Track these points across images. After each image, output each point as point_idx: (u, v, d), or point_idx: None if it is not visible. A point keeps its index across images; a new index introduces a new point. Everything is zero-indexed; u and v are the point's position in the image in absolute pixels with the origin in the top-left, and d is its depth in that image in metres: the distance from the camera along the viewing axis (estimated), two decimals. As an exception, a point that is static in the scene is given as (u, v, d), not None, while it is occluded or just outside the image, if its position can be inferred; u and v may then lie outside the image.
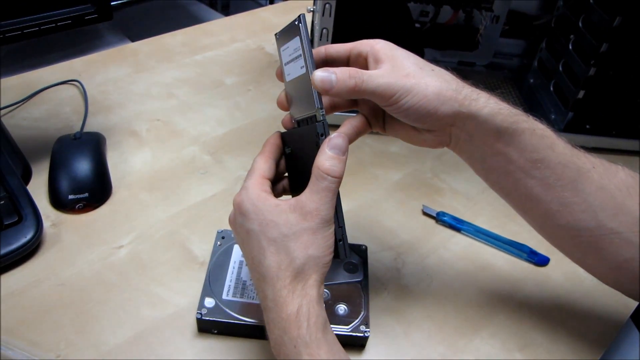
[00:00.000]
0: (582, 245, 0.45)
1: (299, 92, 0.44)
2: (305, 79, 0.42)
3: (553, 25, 0.86)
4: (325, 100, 0.49)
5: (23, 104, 0.77)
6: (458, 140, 0.45)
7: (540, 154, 0.43)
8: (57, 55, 0.91)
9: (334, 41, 0.70)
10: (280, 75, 0.48)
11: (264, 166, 0.45)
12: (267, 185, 0.44)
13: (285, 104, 0.48)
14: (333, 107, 0.50)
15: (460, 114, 0.42)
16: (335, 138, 0.42)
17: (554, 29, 0.86)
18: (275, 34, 0.47)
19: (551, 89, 0.85)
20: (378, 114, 0.47)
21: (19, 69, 0.85)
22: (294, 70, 0.45)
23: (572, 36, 0.79)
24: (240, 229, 0.43)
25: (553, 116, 0.82)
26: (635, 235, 0.43)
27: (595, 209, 0.43)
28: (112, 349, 0.50)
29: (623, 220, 0.43)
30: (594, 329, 0.55)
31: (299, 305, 0.39)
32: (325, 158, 0.41)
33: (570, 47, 0.79)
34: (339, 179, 0.41)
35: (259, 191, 0.43)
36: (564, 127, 0.80)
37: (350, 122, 0.47)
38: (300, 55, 0.43)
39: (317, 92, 0.42)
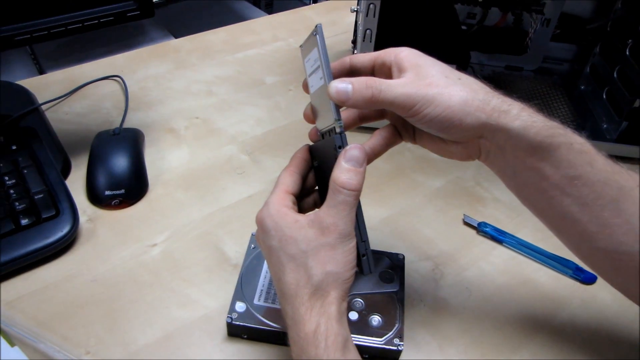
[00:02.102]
0: (623, 270, 0.41)
1: (321, 103, 0.43)
2: (324, 90, 0.41)
3: (609, 28, 0.82)
4: (352, 111, 0.47)
5: (66, 98, 0.78)
6: (488, 154, 0.43)
7: (578, 170, 0.40)
8: (103, 51, 0.92)
9: (377, 43, 0.68)
10: (306, 87, 0.46)
11: (288, 180, 0.44)
12: (289, 200, 0.43)
13: (311, 117, 0.46)
14: (362, 119, 0.48)
15: (488, 125, 0.40)
16: (351, 150, 0.40)
17: (610, 33, 0.82)
18: (300, 46, 0.46)
19: (604, 96, 0.81)
20: (407, 124, 0.45)
21: (66, 63, 0.86)
22: (316, 82, 0.43)
23: (630, 41, 0.75)
24: (262, 245, 0.43)
25: (605, 125, 0.78)
26: None
27: (639, 231, 0.39)
28: (141, 348, 0.49)
29: None
30: (644, 354, 0.52)
31: (317, 324, 0.38)
32: (341, 171, 0.39)
33: (627, 53, 0.75)
34: (356, 192, 0.39)
35: (279, 207, 0.42)
36: (617, 138, 0.76)
37: (380, 133, 0.46)
38: (319, 66, 0.42)
39: (335, 104, 0.40)
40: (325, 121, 0.43)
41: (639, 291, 0.42)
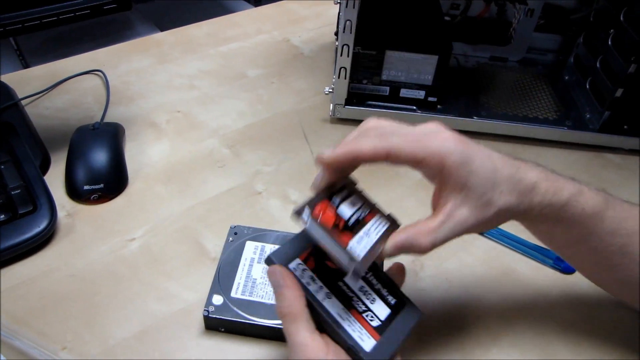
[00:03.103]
0: (628, 295, 0.48)
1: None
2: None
3: (592, 19, 0.82)
4: None
5: (46, 93, 0.78)
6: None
7: (589, 227, 0.43)
8: (89, 46, 0.92)
9: (357, 35, 0.68)
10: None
11: (303, 306, 0.39)
12: (313, 329, 0.38)
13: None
14: None
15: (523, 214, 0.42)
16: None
17: (593, 23, 0.81)
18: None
19: (587, 86, 0.81)
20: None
21: (53, 59, 0.86)
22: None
23: (612, 31, 0.75)
24: None
25: (588, 115, 0.78)
26: None
27: None
28: (118, 342, 0.49)
29: None
30: (621, 344, 0.51)
31: None
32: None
33: (610, 43, 0.75)
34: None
35: (320, 345, 0.37)
36: (600, 127, 0.76)
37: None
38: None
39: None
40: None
41: None
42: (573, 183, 0.43)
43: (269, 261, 0.40)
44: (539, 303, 0.55)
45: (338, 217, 0.40)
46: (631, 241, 0.43)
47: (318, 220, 0.38)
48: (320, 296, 0.40)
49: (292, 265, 0.40)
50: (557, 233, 0.45)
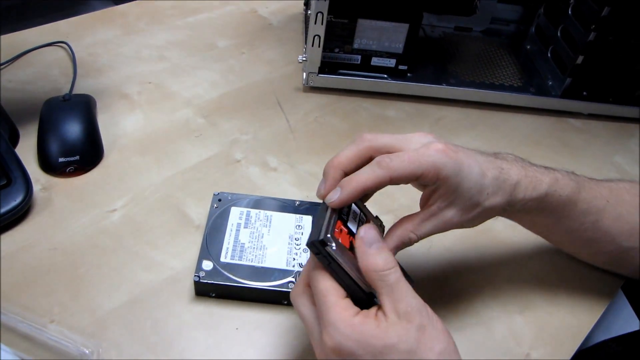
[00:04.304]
0: (602, 261, 0.55)
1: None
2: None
3: (552, -11, 0.85)
4: None
5: (7, 65, 0.75)
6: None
7: (565, 211, 0.48)
8: (41, 21, 0.88)
9: (331, 2, 0.68)
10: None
11: (333, 284, 0.37)
12: (349, 305, 0.36)
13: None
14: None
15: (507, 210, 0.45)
16: (366, 234, 0.38)
17: (553, -6, 0.84)
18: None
19: (549, 55, 0.84)
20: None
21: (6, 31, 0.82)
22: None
23: (572, 1, 0.78)
24: None
25: (550, 83, 0.82)
26: None
27: (614, 236, 0.50)
28: (108, 313, 0.48)
29: (637, 238, 0.50)
30: (592, 292, 0.55)
31: None
32: (370, 258, 0.37)
33: (570, 12, 0.78)
34: (397, 266, 0.37)
35: (349, 320, 0.35)
36: (562, 94, 0.79)
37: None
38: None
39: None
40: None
41: (614, 269, 0.56)
42: (549, 173, 0.47)
43: (323, 243, 0.36)
44: (515, 258, 0.57)
45: (349, 235, 0.39)
46: (601, 217, 0.49)
47: (340, 247, 0.37)
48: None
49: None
50: (538, 220, 0.50)
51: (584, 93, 0.79)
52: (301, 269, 0.50)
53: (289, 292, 0.48)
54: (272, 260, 0.51)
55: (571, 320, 0.53)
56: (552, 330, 0.51)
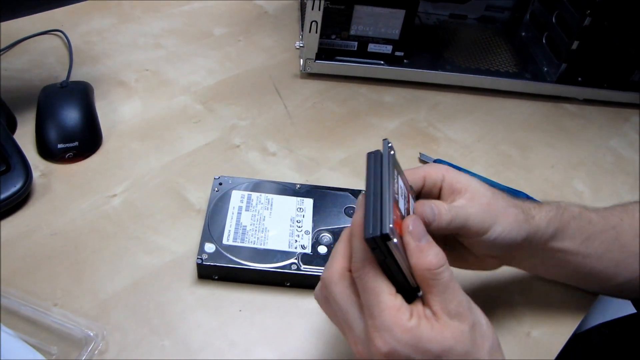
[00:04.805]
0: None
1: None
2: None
3: (547, -25, 0.85)
4: None
5: (3, 54, 0.74)
6: (522, 258, 0.46)
7: (587, 232, 0.46)
8: (36, 9, 0.87)
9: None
10: None
11: (385, 281, 0.34)
12: (402, 304, 0.33)
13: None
14: None
15: (530, 234, 0.43)
16: (413, 227, 0.35)
17: (548, -20, 0.85)
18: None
19: (544, 41, 0.84)
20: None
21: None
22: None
23: (566, -14, 0.78)
24: None
25: (546, 69, 0.82)
26: None
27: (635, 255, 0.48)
28: (111, 296, 0.49)
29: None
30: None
31: None
32: (420, 254, 0.34)
33: (565, -2, 0.79)
34: (447, 264, 0.34)
35: (403, 322, 0.32)
36: (557, 79, 0.79)
37: None
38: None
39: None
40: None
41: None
42: (550, 223, 0.44)
43: (386, 237, 0.31)
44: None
45: (401, 218, 0.35)
46: (619, 234, 0.48)
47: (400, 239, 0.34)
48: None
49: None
50: (565, 246, 0.46)
51: (579, 79, 0.80)
52: (303, 251, 0.50)
53: (291, 273, 0.49)
54: (274, 242, 0.51)
55: (570, 300, 0.53)
56: (552, 310, 0.52)
